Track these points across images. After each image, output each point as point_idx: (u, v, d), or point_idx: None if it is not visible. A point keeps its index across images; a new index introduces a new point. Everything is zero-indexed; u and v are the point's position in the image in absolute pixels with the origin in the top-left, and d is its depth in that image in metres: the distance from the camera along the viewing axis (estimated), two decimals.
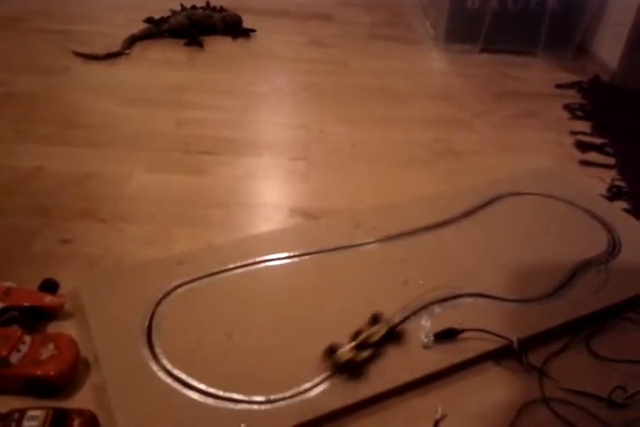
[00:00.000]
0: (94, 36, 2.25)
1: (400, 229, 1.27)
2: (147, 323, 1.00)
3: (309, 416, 0.87)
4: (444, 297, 1.09)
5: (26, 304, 1.00)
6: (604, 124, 1.82)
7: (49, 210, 1.31)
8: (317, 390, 0.91)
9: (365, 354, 0.94)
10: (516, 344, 0.99)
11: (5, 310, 0.98)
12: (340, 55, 2.27)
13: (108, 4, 2.62)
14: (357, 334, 0.97)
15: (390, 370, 0.95)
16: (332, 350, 0.95)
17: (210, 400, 0.88)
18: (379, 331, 0.98)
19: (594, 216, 1.35)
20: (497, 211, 1.36)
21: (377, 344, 0.96)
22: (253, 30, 2.40)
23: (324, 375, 0.93)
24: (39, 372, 0.88)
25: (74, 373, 0.92)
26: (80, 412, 0.84)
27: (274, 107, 1.88)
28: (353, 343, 0.95)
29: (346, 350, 0.94)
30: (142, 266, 1.15)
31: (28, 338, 0.93)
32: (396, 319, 1.02)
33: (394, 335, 0.99)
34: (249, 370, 0.94)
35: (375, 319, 1.01)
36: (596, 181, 1.53)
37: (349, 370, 0.93)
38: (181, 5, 2.38)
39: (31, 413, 0.82)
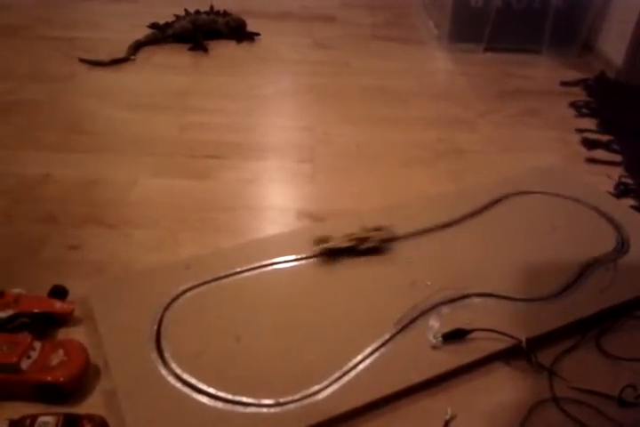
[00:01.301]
0: (99, 43, 2.26)
1: (406, 229, 1.26)
2: (155, 328, 1.01)
3: (318, 419, 0.87)
4: (452, 297, 1.09)
5: (36, 311, 1.01)
6: (610, 121, 1.81)
7: (56, 216, 1.32)
8: (326, 392, 0.91)
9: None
10: (524, 344, 0.98)
11: (15, 316, 0.99)
12: (344, 56, 2.27)
13: (112, 10, 2.63)
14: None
15: (399, 371, 0.95)
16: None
17: (219, 404, 0.89)
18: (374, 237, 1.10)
19: (601, 214, 1.34)
20: (503, 210, 1.35)
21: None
22: (258, 34, 2.41)
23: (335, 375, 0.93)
24: (49, 378, 0.88)
25: (84, 378, 0.92)
26: (91, 417, 0.85)
27: (278, 109, 1.88)
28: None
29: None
30: (150, 271, 1.15)
31: (38, 344, 0.93)
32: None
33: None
34: (258, 373, 0.94)
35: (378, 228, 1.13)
36: (603, 179, 1.52)
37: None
38: (185, 10, 2.39)
39: (42, 419, 0.82)
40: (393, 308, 1.06)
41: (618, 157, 1.63)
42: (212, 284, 1.11)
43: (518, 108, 1.91)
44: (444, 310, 1.07)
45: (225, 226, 1.32)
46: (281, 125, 1.77)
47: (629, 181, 1.51)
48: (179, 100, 1.87)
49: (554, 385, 0.95)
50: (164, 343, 0.98)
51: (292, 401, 0.89)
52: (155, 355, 0.96)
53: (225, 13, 2.43)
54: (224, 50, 2.30)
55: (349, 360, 0.96)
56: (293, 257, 1.18)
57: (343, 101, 1.92)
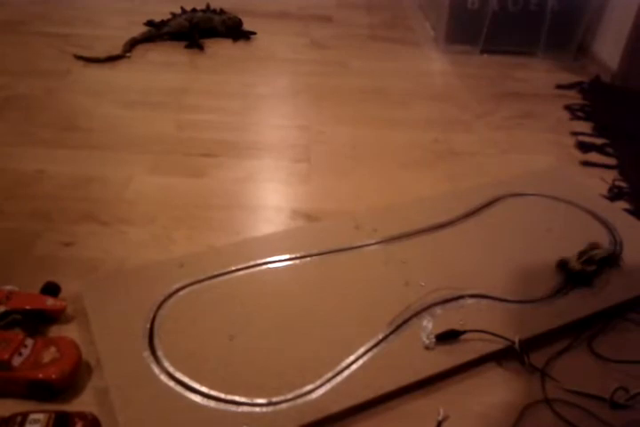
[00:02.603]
0: (95, 40, 2.25)
1: (401, 230, 1.27)
2: (148, 326, 1.00)
3: (311, 418, 0.87)
4: (446, 298, 1.09)
5: (28, 308, 1.00)
6: (605, 124, 1.82)
7: (50, 213, 1.31)
8: (319, 392, 0.91)
9: (592, 267, 1.13)
10: (517, 345, 0.99)
11: (7, 313, 0.99)
12: (341, 57, 2.28)
13: (108, 7, 2.62)
14: (582, 254, 1.16)
15: (392, 371, 0.95)
16: (563, 263, 1.15)
17: (212, 403, 0.88)
18: (600, 253, 1.16)
19: (595, 217, 1.35)
20: (498, 212, 1.35)
21: (599, 263, 1.15)
22: (254, 33, 2.41)
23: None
24: (41, 375, 0.88)
25: (76, 376, 0.92)
26: (82, 415, 0.84)
27: (274, 109, 1.88)
28: (583, 258, 1.15)
29: (577, 263, 1.14)
30: (144, 269, 1.15)
31: (29, 341, 0.93)
32: (612, 248, 1.22)
33: (612, 259, 1.17)
34: (251, 372, 0.94)
35: (593, 246, 1.18)
36: (598, 182, 1.53)
37: (580, 280, 1.12)
38: (182, 8, 2.39)
39: (33, 416, 0.82)
40: (386, 308, 1.06)
41: (612, 161, 1.64)
42: (206, 282, 1.11)
43: (514, 110, 1.92)
44: (438, 310, 1.07)
45: (219, 225, 1.31)
46: (277, 125, 1.77)
47: (623, 184, 1.52)
48: (175, 98, 1.87)
49: (546, 387, 0.95)
50: (156, 342, 0.98)
51: (285, 401, 0.89)
52: (147, 353, 0.96)
53: (221, 12, 2.43)
54: (220, 48, 2.30)
55: (342, 360, 0.96)
56: (287, 256, 1.18)
57: (339, 101, 1.92)
